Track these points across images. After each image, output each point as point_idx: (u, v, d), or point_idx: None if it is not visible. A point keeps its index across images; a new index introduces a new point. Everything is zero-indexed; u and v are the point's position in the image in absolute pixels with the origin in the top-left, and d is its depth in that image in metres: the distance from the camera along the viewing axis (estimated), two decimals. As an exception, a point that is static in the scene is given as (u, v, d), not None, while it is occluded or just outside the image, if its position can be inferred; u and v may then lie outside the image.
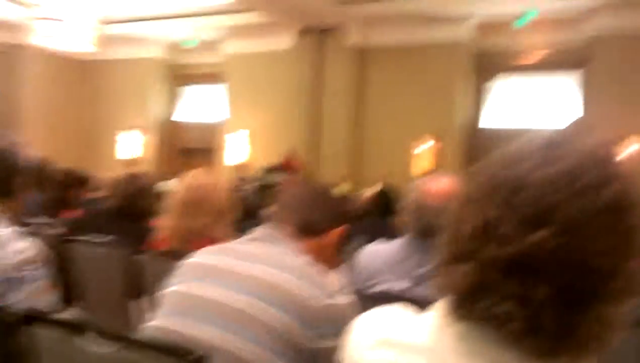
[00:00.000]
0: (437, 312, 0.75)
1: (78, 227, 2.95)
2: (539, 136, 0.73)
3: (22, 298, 1.45)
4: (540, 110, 10.36)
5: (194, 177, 2.39)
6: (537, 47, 10.42)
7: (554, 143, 0.71)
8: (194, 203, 2.28)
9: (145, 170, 12.89)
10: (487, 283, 0.67)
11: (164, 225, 2.39)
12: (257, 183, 10.67)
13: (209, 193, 2.31)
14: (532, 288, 0.65)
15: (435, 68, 10.59)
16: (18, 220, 1.70)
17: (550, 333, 0.66)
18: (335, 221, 1.43)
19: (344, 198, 1.58)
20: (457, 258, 0.71)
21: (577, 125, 9.71)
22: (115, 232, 2.75)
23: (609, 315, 0.67)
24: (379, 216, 4.03)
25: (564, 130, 0.74)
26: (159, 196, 3.04)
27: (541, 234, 0.64)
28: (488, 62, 10.80)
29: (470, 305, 0.69)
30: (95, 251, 2.67)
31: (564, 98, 10.31)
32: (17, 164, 1.66)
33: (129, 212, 2.87)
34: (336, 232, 1.42)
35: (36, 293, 1.48)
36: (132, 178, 2.96)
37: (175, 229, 2.30)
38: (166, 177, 11.56)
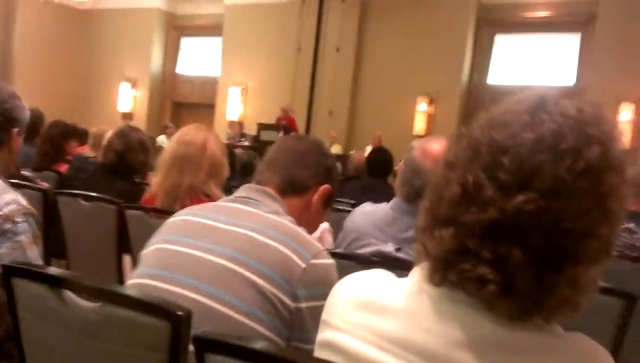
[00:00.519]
0: (415, 276, 0.77)
1: (68, 182, 2.93)
2: (525, 98, 0.73)
3: (3, 253, 1.44)
4: (544, 69, 10.27)
5: (185, 133, 2.35)
6: (543, 4, 10.24)
7: (539, 106, 0.71)
8: (184, 160, 2.25)
9: (138, 124, 12.82)
10: (465, 248, 0.68)
11: (154, 181, 2.37)
12: (251, 140, 10.63)
13: (199, 150, 2.28)
14: (508, 252, 0.66)
15: (438, 23, 10.43)
16: (7, 172, 1.68)
17: (523, 296, 0.67)
18: (320, 179, 1.37)
19: (332, 155, 1.51)
20: (437, 223, 0.72)
21: (568, 86, 9.69)
22: (106, 188, 2.73)
23: (582, 278, 0.68)
24: (373, 177, 4.01)
25: (552, 91, 0.74)
26: (152, 151, 3.00)
27: (521, 198, 0.65)
28: (493, 17, 10.62)
29: (447, 270, 0.71)
30: (85, 206, 2.66)
31: (566, 57, 10.22)
32: (11, 115, 1.63)
33: (120, 167, 2.84)
34: (321, 191, 1.37)
35: (19, 248, 1.48)
36: (123, 133, 2.91)
37: (164, 186, 2.28)
38: (161, 131, 11.53)
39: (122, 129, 2.99)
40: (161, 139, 10.46)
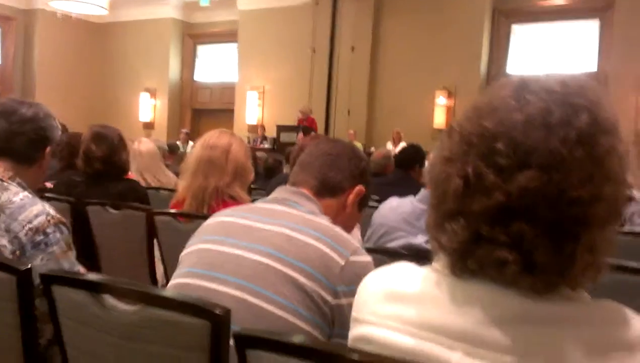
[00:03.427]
0: (437, 264, 0.78)
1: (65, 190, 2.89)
2: (506, 83, 0.75)
3: (38, 264, 1.47)
4: (564, 56, 10.10)
5: (209, 137, 2.38)
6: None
7: (522, 87, 0.72)
8: (208, 163, 2.27)
9: (159, 133, 12.95)
10: (478, 235, 0.70)
11: (181, 185, 2.40)
12: (271, 143, 10.67)
13: (224, 154, 2.30)
14: (521, 230, 0.67)
15: (453, 16, 10.33)
16: (34, 187, 1.70)
17: (546, 269, 0.68)
18: (354, 180, 1.39)
19: (366, 157, 1.51)
20: (445, 217, 0.74)
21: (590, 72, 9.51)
22: (103, 194, 2.75)
23: (598, 241, 0.69)
24: (400, 169, 4.08)
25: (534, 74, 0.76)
26: (129, 151, 3.02)
27: (523, 177, 0.67)
28: (509, 8, 10.50)
29: (465, 260, 0.72)
30: (114, 214, 2.69)
31: (586, 44, 10.04)
32: (45, 134, 1.67)
33: (109, 172, 2.84)
34: (356, 192, 1.39)
35: (52, 259, 1.50)
36: (100, 136, 2.83)
37: (190, 189, 2.30)
38: (182, 138, 11.63)
39: (97, 132, 2.85)
40: (181, 145, 10.52)
